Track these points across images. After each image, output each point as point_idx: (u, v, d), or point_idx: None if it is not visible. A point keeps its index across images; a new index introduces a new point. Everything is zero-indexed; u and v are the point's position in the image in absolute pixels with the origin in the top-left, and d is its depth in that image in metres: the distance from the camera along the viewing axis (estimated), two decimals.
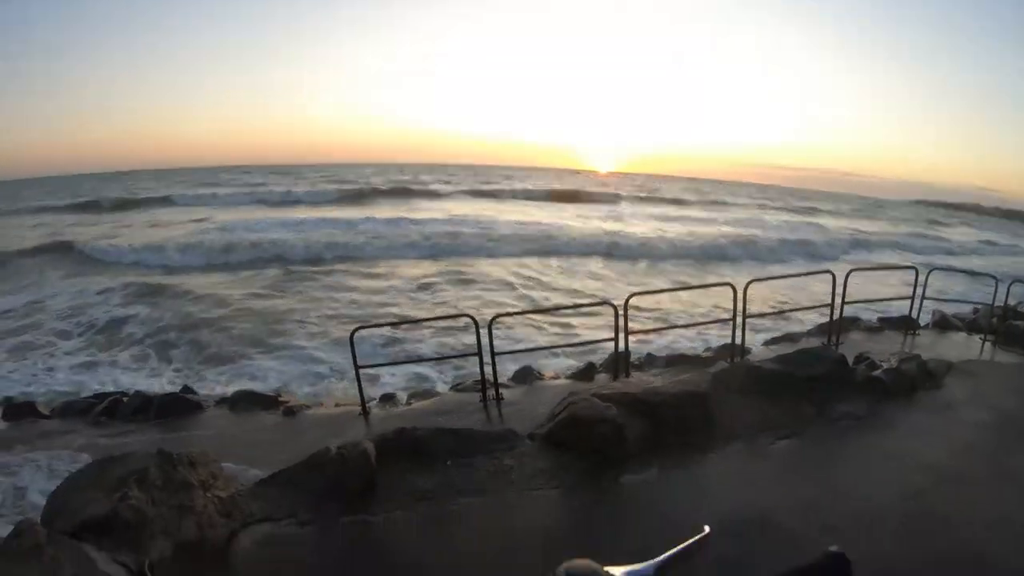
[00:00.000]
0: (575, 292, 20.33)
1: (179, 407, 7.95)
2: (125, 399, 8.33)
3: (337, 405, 8.30)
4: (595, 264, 26.56)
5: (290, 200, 48.49)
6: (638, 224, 40.15)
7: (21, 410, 8.25)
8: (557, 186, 70.69)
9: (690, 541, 0.96)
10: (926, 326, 12.10)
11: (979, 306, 13.85)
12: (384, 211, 39.71)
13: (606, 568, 0.87)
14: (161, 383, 10.90)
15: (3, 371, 11.47)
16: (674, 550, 0.94)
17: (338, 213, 38.24)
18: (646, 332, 9.61)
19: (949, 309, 13.50)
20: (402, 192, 56.24)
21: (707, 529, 0.98)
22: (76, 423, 7.87)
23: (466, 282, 20.95)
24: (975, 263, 31.87)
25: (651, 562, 0.93)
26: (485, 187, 64.83)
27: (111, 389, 9.58)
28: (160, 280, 20.13)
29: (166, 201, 48.28)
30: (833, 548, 0.88)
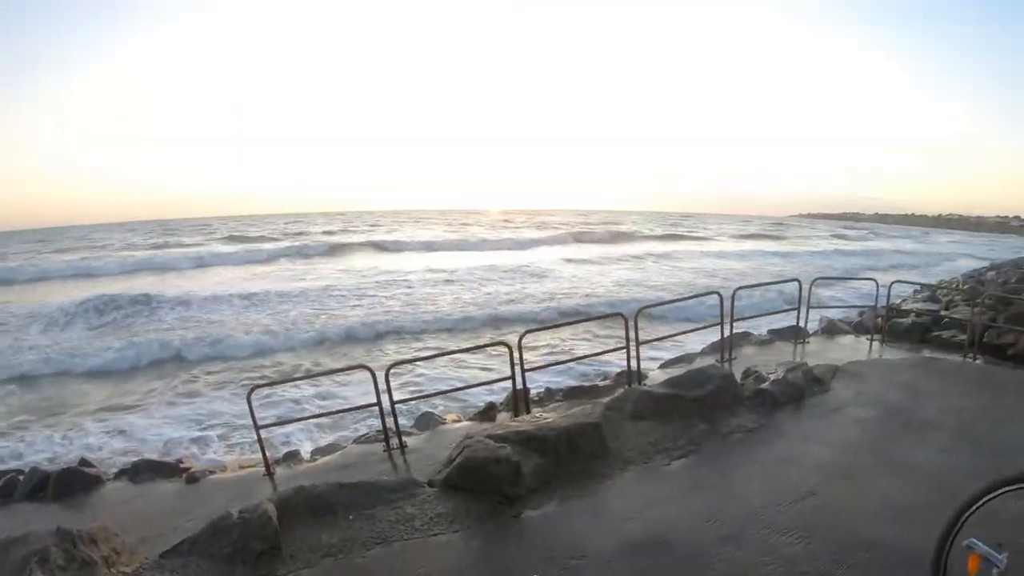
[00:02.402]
0: None
1: (78, 481, 7.54)
2: (20, 476, 7.96)
3: (241, 467, 8.11)
4: None
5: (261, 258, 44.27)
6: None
7: None
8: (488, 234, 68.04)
9: None
10: (815, 333, 12.67)
11: (864, 309, 14.62)
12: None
13: None
14: (58, 453, 10.46)
15: None
16: None
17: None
18: (541, 368, 9.74)
19: (837, 315, 14.19)
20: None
21: None
22: None
23: None
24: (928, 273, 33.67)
25: None
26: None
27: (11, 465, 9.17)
28: None
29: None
30: None
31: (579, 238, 62.23)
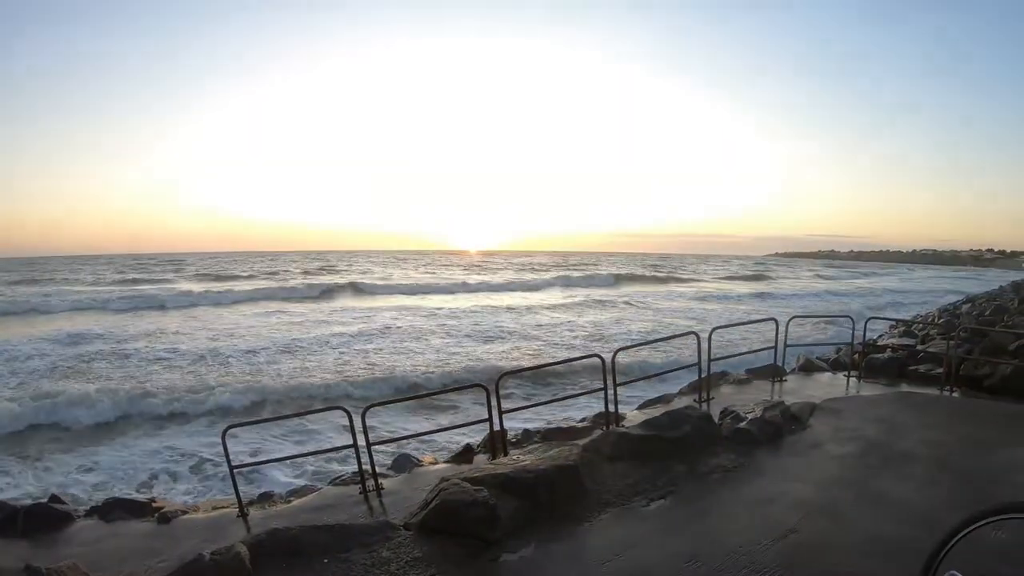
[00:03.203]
0: None
1: (48, 518, 7.34)
2: None
3: (214, 508, 7.97)
4: None
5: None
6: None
7: None
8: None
9: None
10: (792, 371, 12.72)
11: (841, 345, 14.72)
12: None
13: None
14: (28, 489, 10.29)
15: None
16: None
17: None
18: (519, 410, 9.67)
19: (814, 352, 14.27)
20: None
21: None
22: None
23: None
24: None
25: None
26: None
27: None
28: None
29: None
30: None
31: (558, 281, 63.38)
